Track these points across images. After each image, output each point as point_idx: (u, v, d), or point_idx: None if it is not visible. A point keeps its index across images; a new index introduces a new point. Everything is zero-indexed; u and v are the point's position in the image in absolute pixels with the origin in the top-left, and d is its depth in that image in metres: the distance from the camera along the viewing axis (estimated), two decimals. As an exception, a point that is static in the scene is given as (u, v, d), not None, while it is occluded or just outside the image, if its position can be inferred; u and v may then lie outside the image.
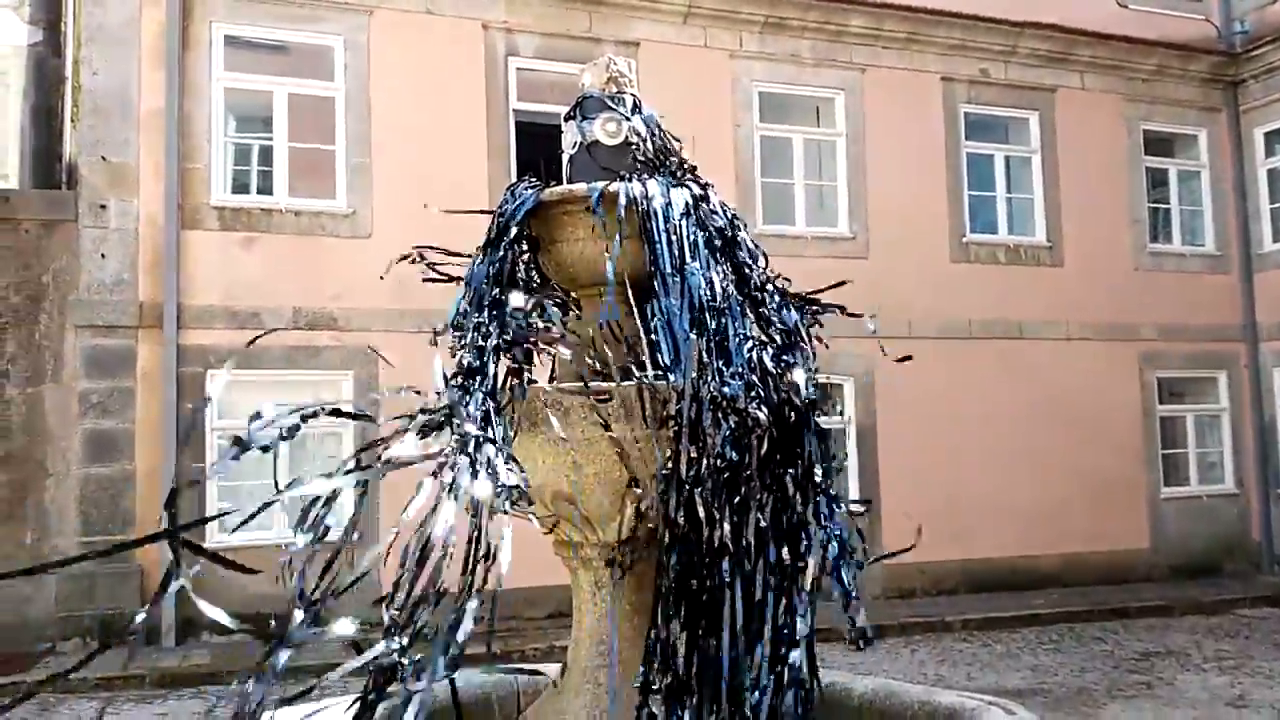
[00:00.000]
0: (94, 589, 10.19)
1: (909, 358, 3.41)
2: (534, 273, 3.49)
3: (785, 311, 3.23)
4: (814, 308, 3.32)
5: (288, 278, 11.06)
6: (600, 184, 3.22)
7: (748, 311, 3.18)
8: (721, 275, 3.17)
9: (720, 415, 2.78)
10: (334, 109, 11.59)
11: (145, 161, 10.81)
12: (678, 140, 3.56)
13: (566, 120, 3.55)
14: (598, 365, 3.15)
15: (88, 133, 10.87)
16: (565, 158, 3.57)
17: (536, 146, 11.37)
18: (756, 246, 3.38)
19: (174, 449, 10.42)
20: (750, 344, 3.06)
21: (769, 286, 3.28)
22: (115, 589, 10.24)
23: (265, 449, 2.28)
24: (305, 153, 11.61)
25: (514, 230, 3.23)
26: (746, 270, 3.26)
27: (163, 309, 10.60)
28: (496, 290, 3.11)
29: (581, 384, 2.96)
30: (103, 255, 10.65)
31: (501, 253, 3.19)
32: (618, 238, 3.14)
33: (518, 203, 3.26)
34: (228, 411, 10.91)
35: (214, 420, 10.77)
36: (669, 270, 3.04)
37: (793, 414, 2.92)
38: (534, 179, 3.43)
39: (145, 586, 10.34)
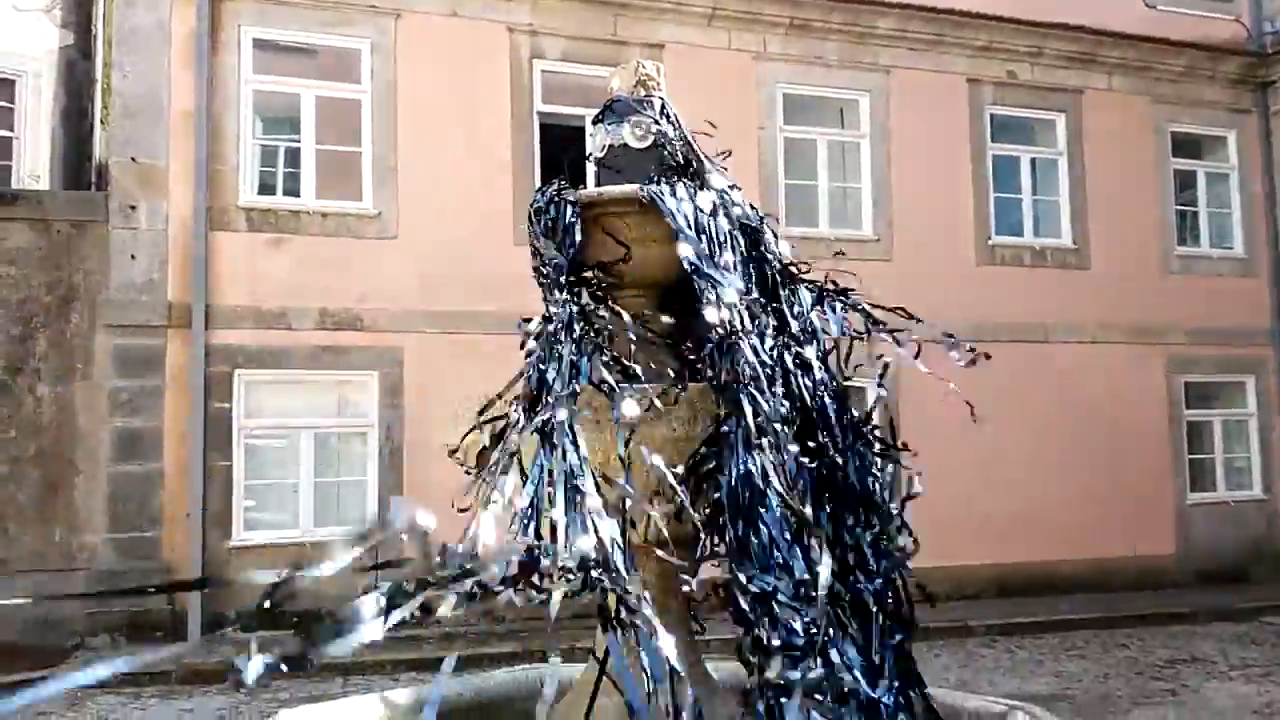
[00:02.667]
0: (122, 586, 10.29)
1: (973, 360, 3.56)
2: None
3: (800, 302, 3.31)
4: (844, 300, 3.39)
5: (315, 278, 11.15)
6: (632, 186, 3.24)
7: (767, 309, 3.23)
8: (745, 275, 3.21)
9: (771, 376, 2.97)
10: (361, 111, 11.67)
11: (175, 163, 10.93)
12: (705, 135, 3.59)
13: (594, 123, 3.58)
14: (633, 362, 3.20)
15: (118, 134, 11.01)
16: (593, 160, 3.59)
17: (561, 148, 11.43)
18: (779, 250, 3.42)
19: (201, 448, 10.54)
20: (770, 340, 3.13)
21: (793, 276, 3.34)
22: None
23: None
24: (332, 155, 11.70)
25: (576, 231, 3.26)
26: (767, 268, 3.30)
27: (191, 309, 10.70)
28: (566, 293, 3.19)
29: (627, 378, 3.02)
30: (132, 256, 10.77)
31: (571, 251, 3.24)
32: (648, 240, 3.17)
33: (570, 203, 3.27)
34: (254, 411, 11.02)
35: (240, 419, 10.88)
36: (709, 272, 3.07)
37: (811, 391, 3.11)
38: (562, 181, 3.46)
39: (172, 583, 10.46)
